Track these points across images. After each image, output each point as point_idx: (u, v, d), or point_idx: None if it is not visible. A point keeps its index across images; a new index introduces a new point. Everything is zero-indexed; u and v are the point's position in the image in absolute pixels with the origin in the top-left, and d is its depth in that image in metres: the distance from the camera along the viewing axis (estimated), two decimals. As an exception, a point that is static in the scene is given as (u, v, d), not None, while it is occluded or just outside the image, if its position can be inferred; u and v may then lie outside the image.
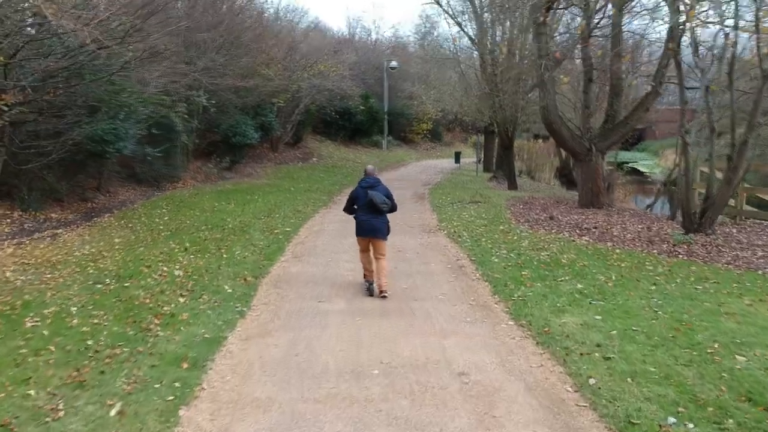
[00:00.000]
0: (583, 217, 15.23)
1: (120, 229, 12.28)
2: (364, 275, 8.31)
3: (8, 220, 11.40)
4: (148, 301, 7.30)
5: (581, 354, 5.79)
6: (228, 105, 22.33)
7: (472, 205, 17.60)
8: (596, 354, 5.79)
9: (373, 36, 54.59)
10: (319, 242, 11.79)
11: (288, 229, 12.91)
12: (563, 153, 42.97)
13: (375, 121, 37.80)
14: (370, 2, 78.83)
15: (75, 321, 6.50)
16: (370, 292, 8.01)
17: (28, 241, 10.42)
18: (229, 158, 23.12)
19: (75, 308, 6.94)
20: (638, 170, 53.44)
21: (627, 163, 56.62)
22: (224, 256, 10.00)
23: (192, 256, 9.83)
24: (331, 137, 35.84)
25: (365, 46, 49.12)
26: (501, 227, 13.46)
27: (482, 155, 31.58)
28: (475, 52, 28.82)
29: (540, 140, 42.39)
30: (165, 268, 8.90)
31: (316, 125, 35.88)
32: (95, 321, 6.53)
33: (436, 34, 40.95)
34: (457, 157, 34.31)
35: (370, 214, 8.04)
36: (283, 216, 14.71)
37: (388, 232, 8.23)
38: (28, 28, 10.49)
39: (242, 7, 23.40)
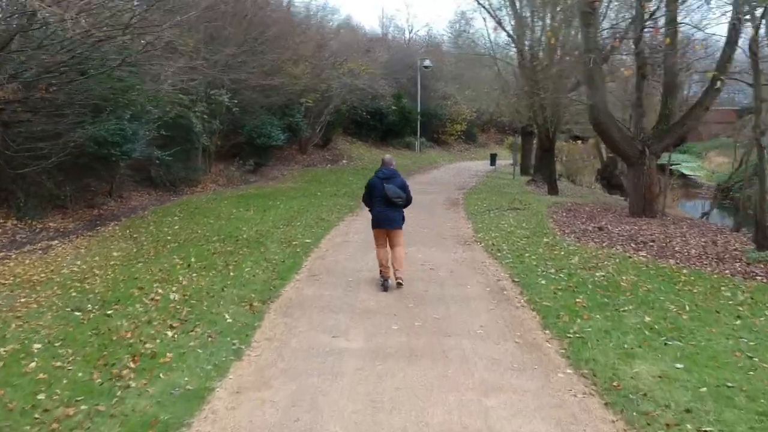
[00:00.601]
0: (636, 227, 13.70)
1: (122, 239, 11.21)
2: (380, 271, 8.37)
3: None
4: (129, 335, 6.12)
5: (667, 425, 4.42)
6: (253, 105, 21.30)
7: (510, 212, 16.20)
8: (688, 425, 4.41)
9: (407, 35, 53.37)
10: (340, 257, 10.55)
11: (308, 240, 11.70)
12: (605, 154, 41.12)
13: (407, 121, 36.53)
14: (403, 2, 77.43)
15: (33, 364, 5.34)
16: (384, 288, 8.11)
17: (14, 255, 9.40)
18: (254, 161, 22.09)
19: (39, 345, 5.79)
20: (681, 173, 51.23)
21: (670, 165, 54.40)
22: (231, 274, 8.82)
23: (195, 275, 8.66)
24: (362, 138, 34.67)
25: (398, 45, 47.91)
26: (545, 239, 12.05)
27: (519, 157, 29.99)
28: (513, 49, 27.37)
29: (579, 142, 40.61)
30: (160, 291, 7.74)
31: (347, 126, 34.75)
32: (58, 364, 5.36)
33: (471, 31, 39.45)
34: (493, 159, 32.83)
35: (386, 207, 8.15)
36: (305, 225, 13.51)
37: (402, 221, 8.40)
38: (18, 17, 9.46)
39: (268, 1, 22.30)
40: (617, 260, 10.08)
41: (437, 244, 11.72)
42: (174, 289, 7.85)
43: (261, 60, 20.45)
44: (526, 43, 22.32)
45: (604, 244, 11.60)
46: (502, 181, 26.67)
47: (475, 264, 10.07)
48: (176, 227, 12.69)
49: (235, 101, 18.91)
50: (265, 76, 20.59)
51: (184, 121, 16.82)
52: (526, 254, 10.52)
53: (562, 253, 10.68)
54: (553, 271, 9.22)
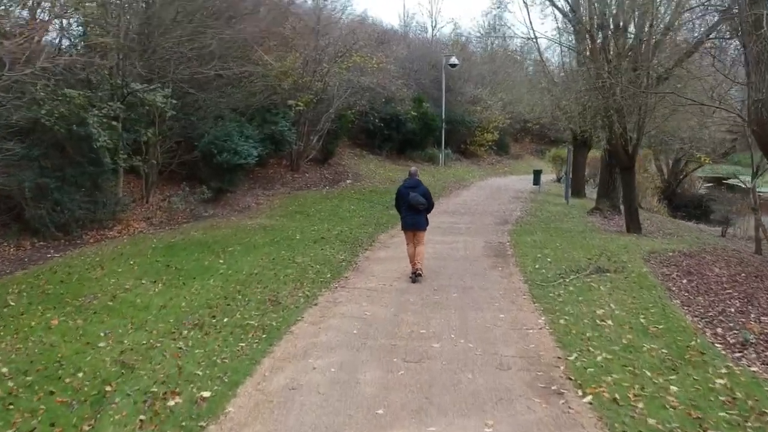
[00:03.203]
0: None
1: None
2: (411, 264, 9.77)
3: None
4: None
5: None
6: (211, 107, 15.18)
7: (598, 277, 9.82)
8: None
9: (429, 32, 47.12)
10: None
11: (207, 392, 5.42)
12: (665, 170, 34.38)
13: (430, 130, 30.19)
14: None
15: None
16: (413, 280, 9.57)
17: None
18: (213, 185, 15.92)
19: None
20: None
21: (726, 179, 47.36)
22: None
23: None
24: (374, 151, 28.41)
25: (420, 42, 41.66)
26: (707, 371, 5.72)
27: (570, 174, 23.41)
28: (561, 41, 21.03)
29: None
30: None
31: (355, 136, 28.56)
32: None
33: (508, 23, 33.15)
34: (537, 176, 26.28)
35: (412, 212, 9.70)
36: (232, 328, 7.24)
37: (426, 224, 9.94)
38: None
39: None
40: None
41: (488, 382, 5.43)
42: None
43: (224, 44, 14.32)
44: (595, 18, 15.91)
45: None
46: (554, 208, 20.19)
47: None
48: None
49: (175, 101, 12.79)
50: (233, 62, 14.47)
51: (83, 130, 10.71)
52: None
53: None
54: None
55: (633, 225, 15.85)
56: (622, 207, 19.80)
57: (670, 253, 12.74)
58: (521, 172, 37.50)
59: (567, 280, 9.69)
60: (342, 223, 15.22)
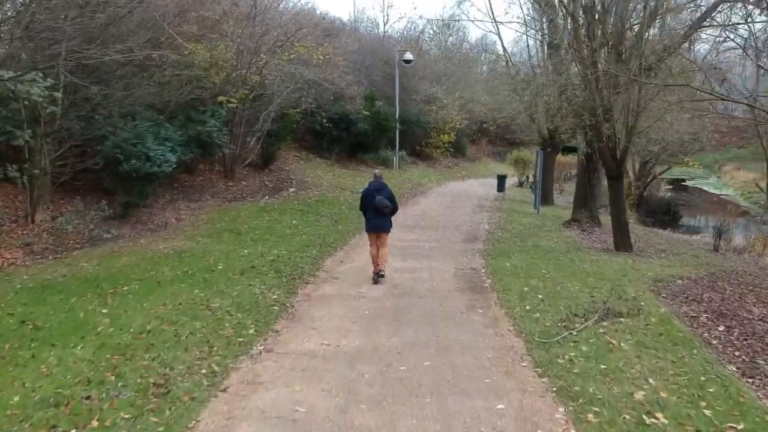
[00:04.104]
0: None
1: None
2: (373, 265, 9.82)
3: None
4: None
5: None
6: (114, 102, 12.24)
7: (613, 327, 7.40)
8: None
9: (381, 27, 44.60)
10: None
11: None
12: (632, 174, 32.51)
13: (383, 131, 27.57)
14: (378, -4, 68.19)
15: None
16: (374, 281, 9.63)
17: None
18: (122, 198, 12.96)
19: None
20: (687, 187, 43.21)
21: (683, 180, 46.42)
22: None
23: None
24: (323, 154, 25.65)
25: (372, 37, 39.05)
26: None
27: (539, 180, 21.13)
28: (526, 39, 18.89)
29: (568, 154, 32.01)
30: None
31: (302, 137, 25.78)
32: None
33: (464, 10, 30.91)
34: (502, 182, 23.92)
35: (376, 215, 9.67)
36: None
37: (390, 226, 9.92)
38: None
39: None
40: None
41: None
42: None
43: (124, 23, 11.42)
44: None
45: None
46: (524, 220, 17.87)
47: None
48: None
49: (59, 94, 9.86)
50: (141, 50, 11.58)
51: None
52: None
53: None
54: None
55: (623, 242, 13.61)
56: (604, 218, 17.65)
57: (679, 281, 10.52)
58: (480, 175, 35.34)
59: (574, 332, 7.22)
60: (280, 243, 12.47)
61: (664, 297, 9.33)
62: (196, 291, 8.78)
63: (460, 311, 8.29)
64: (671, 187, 42.51)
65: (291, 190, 19.24)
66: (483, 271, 10.83)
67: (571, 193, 31.06)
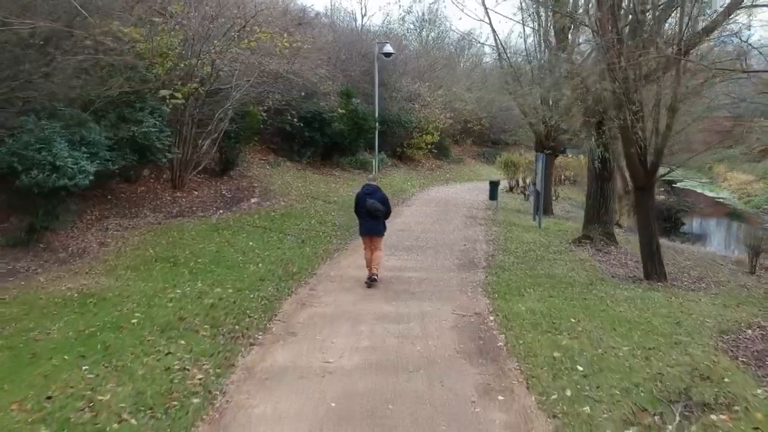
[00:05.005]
0: None
1: None
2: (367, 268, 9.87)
3: None
4: None
5: None
6: (6, 95, 9.37)
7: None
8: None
9: (359, 21, 41.80)
10: None
11: None
12: (628, 179, 30.02)
13: (361, 131, 24.80)
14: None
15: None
16: (368, 285, 9.58)
17: None
18: (21, 221, 10.06)
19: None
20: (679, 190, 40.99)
21: (674, 183, 44.29)
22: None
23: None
24: (293, 158, 22.84)
25: (348, 30, 36.23)
26: None
27: (542, 189, 18.45)
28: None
29: (582, 157, 29.57)
30: None
31: (270, 139, 22.95)
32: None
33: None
34: (494, 189, 21.21)
35: (369, 218, 9.74)
36: None
37: (384, 229, 9.99)
38: None
39: None
40: None
41: None
42: None
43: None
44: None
45: None
46: (526, 236, 15.24)
47: None
48: None
49: None
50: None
51: None
52: None
53: None
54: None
55: (656, 269, 11.04)
56: (617, 234, 15.12)
57: (749, 331, 7.94)
58: (465, 179, 32.76)
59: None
60: (227, 277, 9.70)
61: (743, 362, 6.76)
62: (84, 369, 5.99)
63: (469, 400, 5.62)
64: (662, 189, 40.38)
65: (253, 200, 16.42)
66: (491, 318, 8.15)
67: (568, 198, 28.81)
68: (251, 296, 8.78)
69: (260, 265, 10.72)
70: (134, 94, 12.87)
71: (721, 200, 39.67)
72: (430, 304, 8.80)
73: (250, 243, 12.26)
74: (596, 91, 12.16)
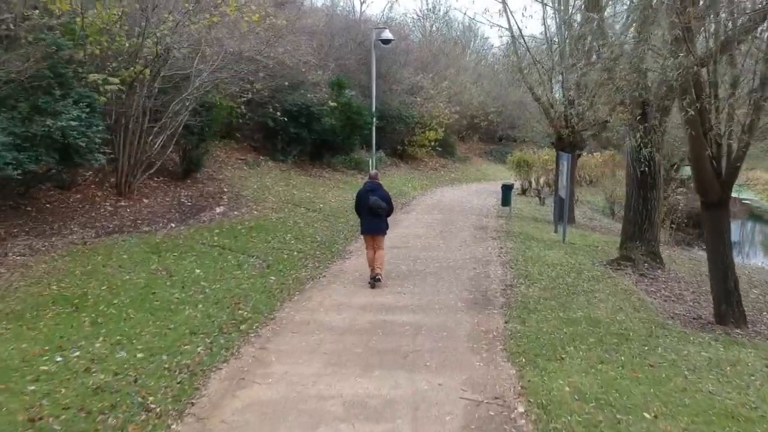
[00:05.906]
0: None
1: None
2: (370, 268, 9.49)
3: None
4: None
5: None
6: None
7: None
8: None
9: (358, 8, 38.86)
10: None
11: None
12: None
13: (355, 127, 21.86)
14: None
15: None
16: (371, 285, 9.21)
17: None
18: None
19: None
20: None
21: (689, 179, 41.16)
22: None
23: None
24: (276, 157, 19.99)
25: (344, 18, 33.31)
26: None
27: (568, 195, 15.45)
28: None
29: (609, 152, 26.50)
30: None
31: (250, 136, 20.12)
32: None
33: None
34: (507, 194, 18.27)
35: (371, 216, 9.43)
36: None
37: (387, 227, 9.66)
38: None
39: None
40: None
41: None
42: None
43: None
44: None
45: None
46: (550, 254, 12.35)
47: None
48: None
49: None
50: None
51: None
52: None
53: None
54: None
55: (732, 311, 8.20)
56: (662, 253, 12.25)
57: None
58: (472, 179, 29.90)
59: None
60: (146, 329, 6.89)
61: None
62: None
63: None
64: (681, 190, 37.39)
65: (218, 210, 13.60)
66: (520, 410, 5.33)
67: (587, 202, 25.88)
68: (166, 366, 5.99)
69: (199, 306, 7.90)
70: (55, 79, 10.07)
71: (746, 201, 36.69)
72: (427, 377, 5.99)
73: (197, 271, 9.44)
74: (644, 71, 9.31)
